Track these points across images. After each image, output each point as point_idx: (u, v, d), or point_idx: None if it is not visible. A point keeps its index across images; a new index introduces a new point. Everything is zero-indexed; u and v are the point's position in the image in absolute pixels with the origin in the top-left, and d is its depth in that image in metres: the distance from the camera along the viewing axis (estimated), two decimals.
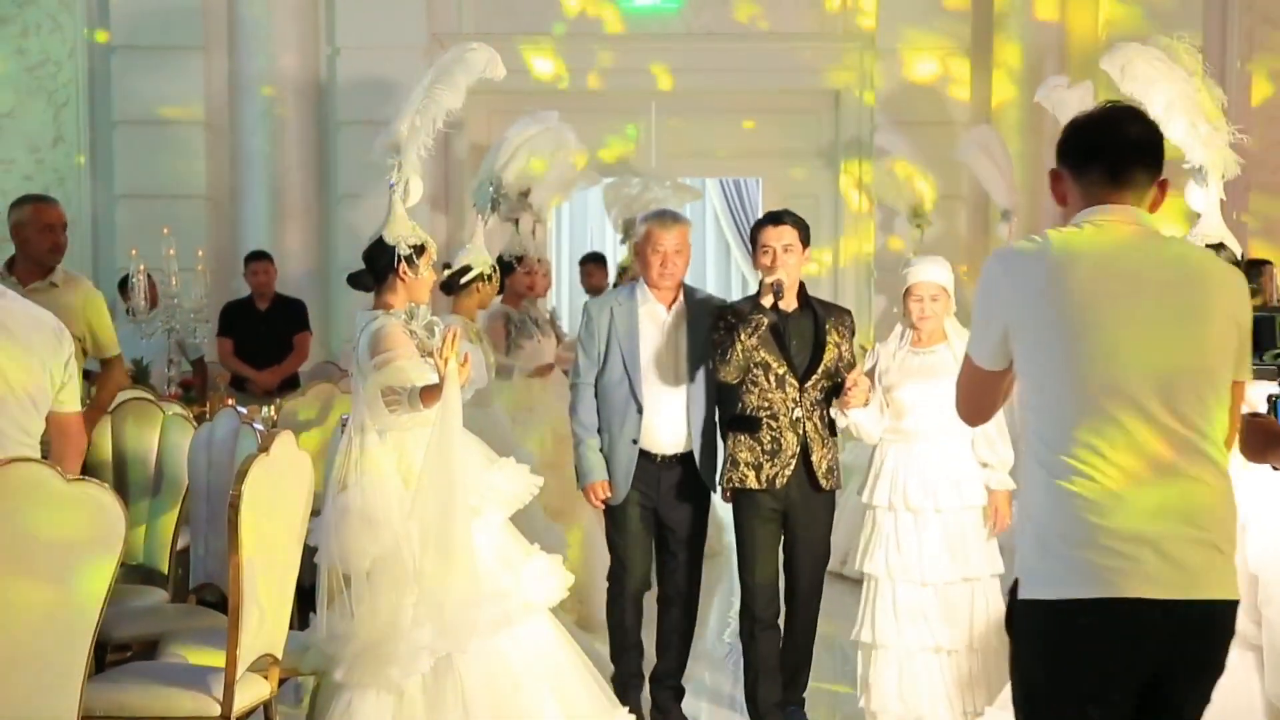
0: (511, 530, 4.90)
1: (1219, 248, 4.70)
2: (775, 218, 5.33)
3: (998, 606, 5.06)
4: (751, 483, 5.24)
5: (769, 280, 5.14)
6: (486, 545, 4.72)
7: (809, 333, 5.30)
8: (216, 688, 4.01)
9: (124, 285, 9.04)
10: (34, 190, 10.01)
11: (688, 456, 5.43)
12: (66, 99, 10.13)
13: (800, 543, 5.36)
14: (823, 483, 5.29)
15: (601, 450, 5.43)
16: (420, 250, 4.86)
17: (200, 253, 9.12)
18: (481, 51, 5.12)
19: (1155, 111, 4.67)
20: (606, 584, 5.68)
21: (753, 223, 5.35)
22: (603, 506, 5.51)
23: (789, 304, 5.22)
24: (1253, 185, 9.69)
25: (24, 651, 3.33)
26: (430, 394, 4.52)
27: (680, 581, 5.58)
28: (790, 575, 5.43)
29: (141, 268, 8.35)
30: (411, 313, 4.83)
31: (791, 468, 5.23)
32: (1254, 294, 6.30)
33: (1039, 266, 2.94)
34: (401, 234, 4.84)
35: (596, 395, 5.44)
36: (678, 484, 5.45)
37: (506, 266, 7.16)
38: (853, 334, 5.43)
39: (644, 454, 5.40)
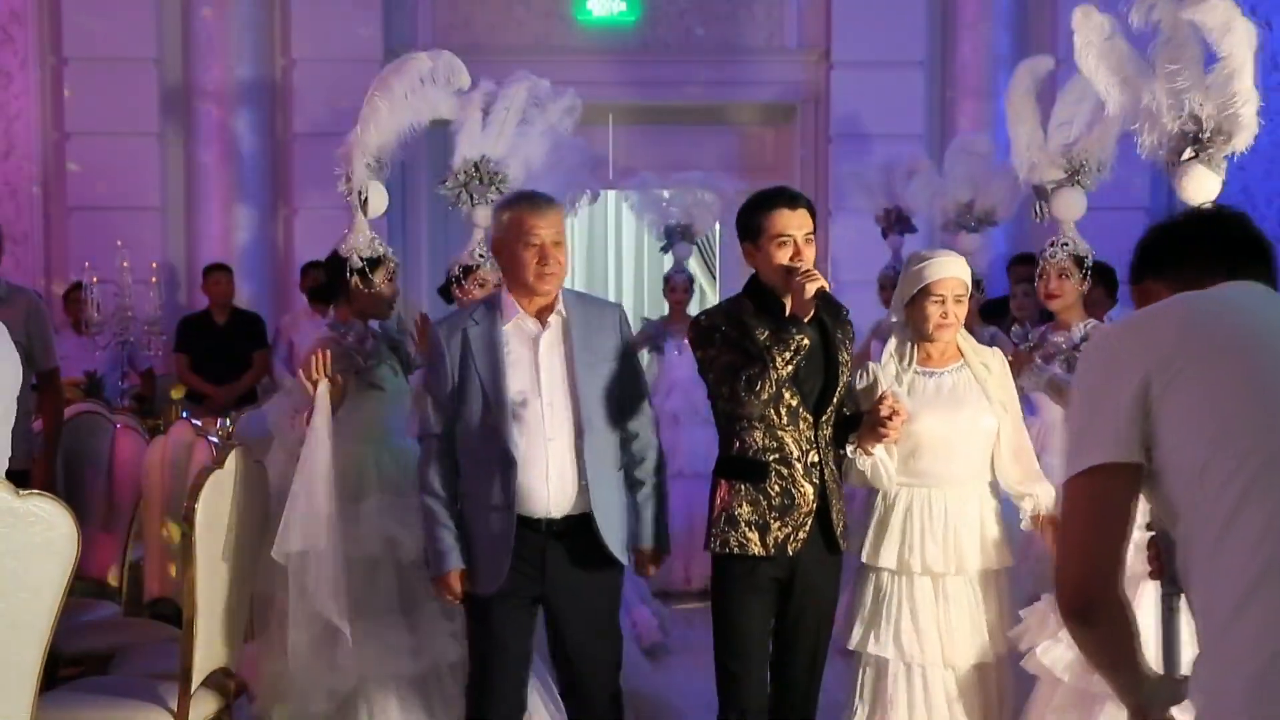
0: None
1: None
2: (791, 198, 4.05)
3: (1019, 688, 4.32)
4: (755, 548, 3.96)
5: (811, 287, 3.85)
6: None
7: (818, 351, 3.99)
8: (171, 702, 3.98)
9: (74, 297, 8.98)
10: None
11: (585, 520, 4.00)
12: (19, 111, 10.04)
13: (805, 616, 4.09)
14: (842, 544, 4.09)
15: (461, 524, 4.05)
16: (375, 264, 4.79)
17: (154, 265, 9.08)
18: (419, 61, 4.96)
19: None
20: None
21: (746, 201, 4.15)
22: (459, 603, 4.12)
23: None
24: None
25: None
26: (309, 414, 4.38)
27: None
28: (788, 659, 4.14)
29: (94, 280, 8.31)
30: (349, 327, 4.78)
31: (807, 528, 3.98)
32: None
33: None
34: (355, 247, 4.81)
35: (455, 449, 4.07)
36: (573, 560, 4.02)
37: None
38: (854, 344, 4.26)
39: (521, 520, 3.97)
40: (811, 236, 4.02)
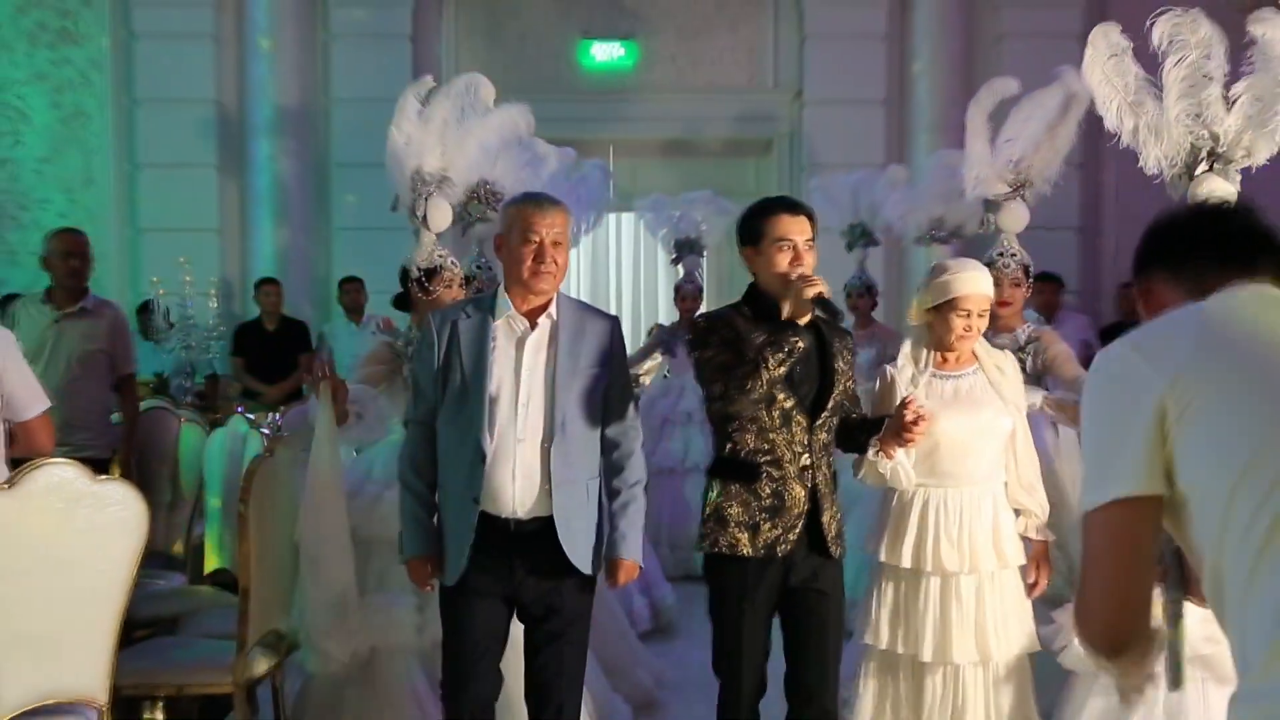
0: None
1: None
2: (793, 205, 3.68)
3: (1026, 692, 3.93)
4: (745, 548, 3.56)
5: (811, 290, 3.51)
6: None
7: (814, 357, 3.64)
8: (229, 660, 4.02)
9: (144, 309, 9.06)
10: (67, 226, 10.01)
11: (550, 524, 3.53)
12: (97, 146, 10.11)
13: (814, 628, 3.64)
14: (832, 549, 3.62)
15: (437, 513, 3.65)
16: (432, 273, 4.64)
17: (213, 279, 9.12)
18: (424, 85, 4.80)
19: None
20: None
21: (748, 208, 3.75)
22: (431, 589, 3.72)
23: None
24: None
25: (62, 630, 3.34)
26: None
27: None
28: (797, 664, 3.66)
29: (161, 293, 8.38)
30: (404, 334, 4.66)
31: (797, 531, 3.57)
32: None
33: None
34: (418, 259, 4.67)
35: (435, 437, 3.64)
36: (540, 564, 3.54)
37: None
38: (855, 358, 3.84)
39: (489, 518, 3.53)
40: (812, 243, 3.63)
